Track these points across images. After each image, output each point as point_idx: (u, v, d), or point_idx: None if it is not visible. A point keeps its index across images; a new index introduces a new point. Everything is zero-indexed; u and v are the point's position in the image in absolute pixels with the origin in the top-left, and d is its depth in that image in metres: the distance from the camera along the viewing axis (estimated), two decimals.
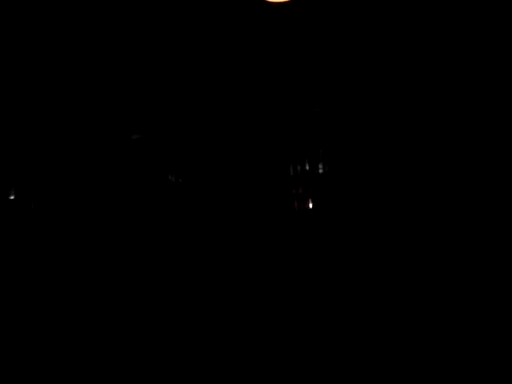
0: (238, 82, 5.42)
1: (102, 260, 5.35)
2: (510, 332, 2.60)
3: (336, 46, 5.20)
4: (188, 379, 2.40)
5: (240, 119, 5.48)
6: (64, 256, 5.36)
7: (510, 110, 4.90)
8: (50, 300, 4.56)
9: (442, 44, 5.05)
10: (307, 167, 5.38)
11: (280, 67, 5.34)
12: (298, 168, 5.39)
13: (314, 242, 5.18)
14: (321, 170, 5.33)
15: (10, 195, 5.64)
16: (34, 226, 5.54)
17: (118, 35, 5.15)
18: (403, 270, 4.65)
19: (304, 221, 5.30)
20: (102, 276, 5.19)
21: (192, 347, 2.83)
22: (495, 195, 4.85)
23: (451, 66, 5.06)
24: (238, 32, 5.17)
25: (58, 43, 5.16)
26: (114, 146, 5.64)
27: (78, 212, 5.58)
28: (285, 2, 4.95)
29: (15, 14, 4.73)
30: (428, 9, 4.93)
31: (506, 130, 4.90)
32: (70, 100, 5.55)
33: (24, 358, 2.75)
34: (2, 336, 3.16)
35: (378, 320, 3.19)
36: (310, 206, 5.32)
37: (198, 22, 5.06)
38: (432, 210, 5.04)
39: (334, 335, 2.93)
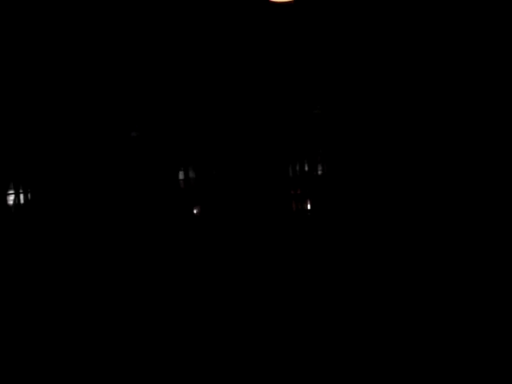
0: (239, 82, 5.37)
1: (103, 255, 5.40)
2: (509, 331, 2.72)
3: (336, 47, 5.16)
4: (188, 379, 2.49)
5: (240, 120, 5.46)
6: (66, 251, 5.40)
7: (508, 110, 4.94)
8: (54, 295, 4.62)
9: (438, 47, 5.03)
10: (306, 168, 5.42)
11: (281, 68, 5.30)
12: (297, 169, 5.43)
13: (311, 242, 5.27)
14: (320, 171, 5.38)
15: (9, 190, 5.62)
16: (37, 222, 5.55)
17: (121, 32, 5.05)
18: (399, 268, 4.77)
19: (302, 221, 5.38)
20: (105, 270, 5.26)
21: (191, 346, 2.92)
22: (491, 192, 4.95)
23: (449, 69, 5.05)
24: (239, 32, 5.09)
25: (61, 42, 5.05)
26: (114, 143, 5.61)
27: (78, 207, 5.59)
28: (288, 3, 4.88)
29: (23, 14, 4.61)
30: (425, 12, 4.89)
31: (503, 129, 4.96)
32: (72, 99, 5.48)
33: (24, 357, 2.82)
34: (3, 334, 3.22)
35: (374, 319, 3.30)
36: (309, 206, 5.39)
37: (201, 21, 4.97)
38: (428, 210, 5.13)
39: (330, 335, 3.04)
